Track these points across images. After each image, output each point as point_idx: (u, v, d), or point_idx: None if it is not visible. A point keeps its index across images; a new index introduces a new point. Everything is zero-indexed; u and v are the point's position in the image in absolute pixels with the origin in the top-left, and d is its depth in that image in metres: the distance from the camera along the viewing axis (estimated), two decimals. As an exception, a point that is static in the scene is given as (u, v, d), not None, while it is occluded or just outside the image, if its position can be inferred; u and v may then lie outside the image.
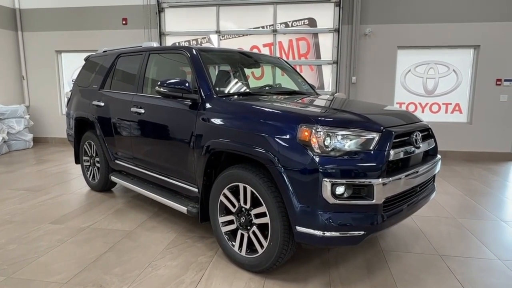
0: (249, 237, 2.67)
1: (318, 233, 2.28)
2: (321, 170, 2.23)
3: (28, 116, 7.48)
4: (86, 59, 4.81)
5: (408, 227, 3.55)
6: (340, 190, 2.25)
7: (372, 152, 2.33)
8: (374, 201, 2.27)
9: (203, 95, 3.01)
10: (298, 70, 7.13)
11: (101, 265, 2.77)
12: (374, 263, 2.84)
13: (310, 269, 2.73)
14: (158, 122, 3.37)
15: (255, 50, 7.14)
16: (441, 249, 3.08)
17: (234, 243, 2.77)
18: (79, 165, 4.84)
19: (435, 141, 3.02)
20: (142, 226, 3.51)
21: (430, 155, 2.99)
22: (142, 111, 3.53)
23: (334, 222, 2.27)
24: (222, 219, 2.84)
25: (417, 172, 2.58)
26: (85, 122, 4.51)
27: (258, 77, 7.23)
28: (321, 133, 2.30)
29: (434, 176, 3.06)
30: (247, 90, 3.28)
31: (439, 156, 3.07)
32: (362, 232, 2.31)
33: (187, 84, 2.99)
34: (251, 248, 2.68)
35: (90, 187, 4.64)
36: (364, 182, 2.26)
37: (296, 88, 3.95)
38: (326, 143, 2.29)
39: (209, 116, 2.89)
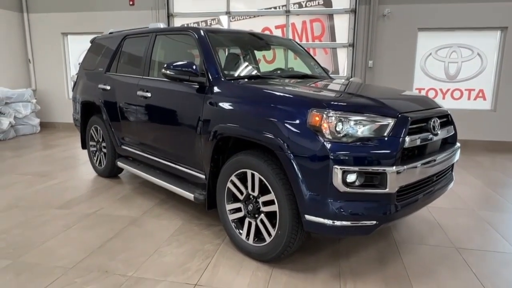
0: (256, 225, 2.57)
1: (328, 222, 2.17)
2: (331, 157, 2.11)
3: (35, 100, 7.43)
4: (92, 41, 4.72)
5: (424, 219, 3.41)
6: (351, 178, 2.13)
7: (386, 138, 2.19)
8: (387, 190, 2.15)
9: (210, 78, 2.90)
10: (311, 53, 6.94)
11: (107, 251, 2.72)
12: (387, 255, 2.73)
13: (319, 260, 2.64)
14: (165, 107, 3.28)
15: (266, 32, 6.95)
16: (457, 242, 2.95)
17: (241, 231, 2.68)
18: (86, 151, 4.79)
19: (454, 128, 2.85)
20: (149, 213, 3.46)
21: (449, 143, 2.83)
22: (149, 95, 3.43)
23: (344, 211, 2.16)
24: (229, 206, 2.75)
25: (434, 160, 2.43)
26: (92, 107, 4.44)
27: (270, 60, 7.06)
28: (333, 118, 2.17)
29: (452, 165, 2.91)
30: (257, 73, 3.14)
31: (458, 144, 2.91)
32: (374, 222, 2.20)
33: (194, 67, 2.87)
34: (258, 236, 2.59)
35: (97, 173, 4.61)
36: (377, 170, 2.13)
37: (308, 72, 3.79)
38: (337, 129, 2.17)
39: (216, 100, 2.77)
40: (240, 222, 2.71)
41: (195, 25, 7.20)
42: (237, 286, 2.32)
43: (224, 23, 7.13)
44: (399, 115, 2.27)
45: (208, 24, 7.15)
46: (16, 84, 7.59)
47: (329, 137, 2.16)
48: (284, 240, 2.38)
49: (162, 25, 3.80)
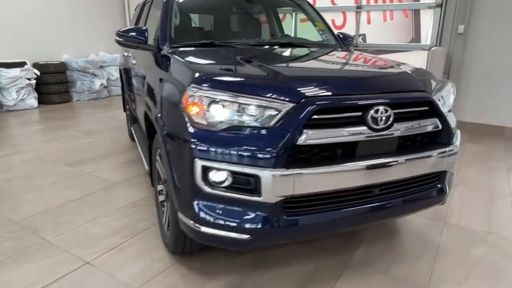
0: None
1: (194, 226, 1.79)
2: (193, 147, 1.68)
3: (126, 65, 8.26)
4: (136, 8, 4.86)
5: (424, 238, 2.56)
6: (217, 177, 1.68)
7: (271, 130, 1.64)
8: (261, 198, 1.63)
9: (158, 45, 2.64)
10: (387, 16, 5.82)
11: (57, 212, 2.86)
12: (321, 277, 2.13)
13: (232, 265, 2.23)
14: (138, 74, 3.18)
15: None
16: (439, 281, 2.11)
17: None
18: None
19: (443, 122, 1.97)
20: (130, 180, 3.49)
21: (437, 143, 2.00)
22: (134, 62, 3.37)
23: (209, 217, 1.73)
24: (158, 187, 2.54)
25: (363, 166, 1.73)
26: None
27: (340, 26, 6.20)
28: (204, 97, 1.71)
29: (440, 175, 2.05)
30: (212, 41, 2.69)
31: (454, 145, 2.02)
32: (247, 236, 1.71)
33: (146, 34, 2.66)
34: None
35: (129, 135, 4.88)
36: (246, 171, 1.62)
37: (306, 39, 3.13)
38: (209, 113, 1.71)
39: (153, 70, 2.53)
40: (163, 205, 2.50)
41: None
42: (122, 273, 2.15)
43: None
44: (303, 100, 1.66)
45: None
46: (115, 49, 8.49)
47: (200, 122, 1.72)
48: (174, 234, 2.09)
49: (164, -12, 3.61)
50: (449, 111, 2.19)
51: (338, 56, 2.57)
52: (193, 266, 2.21)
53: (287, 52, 2.59)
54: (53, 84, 7.06)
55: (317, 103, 1.63)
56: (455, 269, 2.23)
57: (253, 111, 1.67)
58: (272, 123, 1.64)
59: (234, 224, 1.70)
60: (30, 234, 2.55)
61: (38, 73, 6.74)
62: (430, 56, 5.29)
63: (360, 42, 6.06)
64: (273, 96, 1.68)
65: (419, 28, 5.57)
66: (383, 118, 1.75)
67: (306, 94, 1.67)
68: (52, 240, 2.48)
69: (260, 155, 1.60)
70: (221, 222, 1.72)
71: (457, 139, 2.09)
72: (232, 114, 1.68)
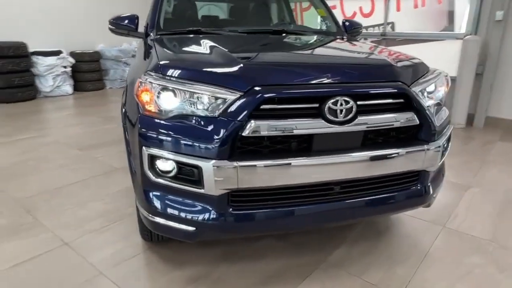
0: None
1: (148, 216, 1.78)
2: (141, 135, 1.66)
3: (156, 54, 8.45)
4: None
5: (413, 243, 2.37)
6: (163, 166, 1.65)
7: (215, 119, 1.57)
8: (203, 190, 1.57)
9: (147, 32, 2.65)
10: (419, 2, 5.42)
11: (56, 194, 2.98)
12: (287, 275, 2.04)
13: (202, 256, 2.19)
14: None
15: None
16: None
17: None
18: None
19: (422, 117, 1.77)
20: (132, 166, 3.57)
21: (417, 139, 1.82)
22: (136, 49, 3.42)
23: (157, 206, 1.71)
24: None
25: (315, 162, 1.60)
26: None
27: (367, 13, 5.89)
28: (153, 85, 1.67)
29: (415, 174, 1.87)
30: (199, 29, 2.62)
31: (438, 142, 1.83)
32: (192, 229, 1.67)
33: (136, 21, 2.68)
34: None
35: (143, 122, 5.00)
36: (189, 161, 1.57)
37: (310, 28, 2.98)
38: (158, 100, 1.66)
39: (136, 58, 2.54)
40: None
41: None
42: (94, 256, 2.20)
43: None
44: (251, 89, 1.57)
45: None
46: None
47: (149, 109, 1.69)
48: (140, 223, 2.10)
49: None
50: (439, 104, 1.99)
51: (319, 44, 2.42)
52: (163, 254, 2.21)
53: (269, 40, 2.47)
54: (87, 72, 7.39)
55: (264, 92, 1.54)
56: (438, 278, 2.03)
57: (202, 100, 1.61)
58: (217, 113, 1.57)
59: (181, 215, 1.67)
60: (23, 213, 2.68)
61: (73, 61, 7.09)
62: (464, 46, 4.86)
63: (389, 30, 5.71)
64: (222, 85, 1.60)
65: (453, 15, 5.13)
66: (343, 110, 1.61)
67: (255, 82, 1.58)
68: (41, 219, 2.60)
69: (202, 145, 1.54)
70: (170, 212, 1.69)
71: (443, 136, 1.89)
72: (180, 103, 1.63)
